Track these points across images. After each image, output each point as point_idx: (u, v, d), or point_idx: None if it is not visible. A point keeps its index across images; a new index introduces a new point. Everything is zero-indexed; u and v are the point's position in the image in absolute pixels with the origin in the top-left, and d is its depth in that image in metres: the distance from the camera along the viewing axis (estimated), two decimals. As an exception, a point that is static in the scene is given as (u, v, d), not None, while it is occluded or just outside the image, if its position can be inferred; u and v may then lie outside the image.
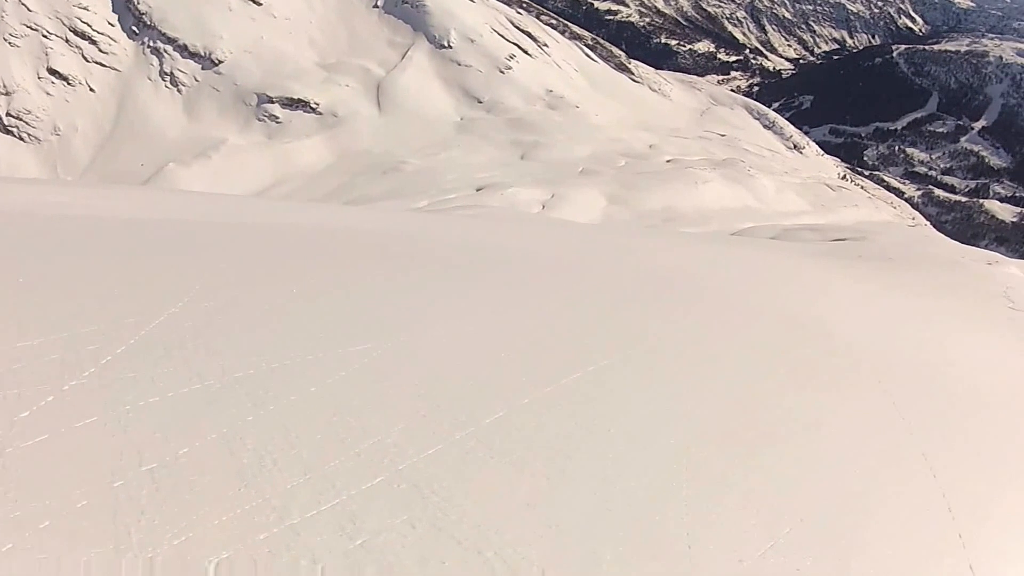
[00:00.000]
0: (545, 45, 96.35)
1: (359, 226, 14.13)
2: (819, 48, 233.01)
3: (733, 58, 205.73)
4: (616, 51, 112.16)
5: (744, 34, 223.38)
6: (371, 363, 5.69)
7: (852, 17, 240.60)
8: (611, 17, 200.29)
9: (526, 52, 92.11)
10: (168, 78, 79.89)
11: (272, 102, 78.24)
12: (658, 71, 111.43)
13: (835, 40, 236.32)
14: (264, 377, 5.11)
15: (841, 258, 20.99)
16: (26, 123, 72.03)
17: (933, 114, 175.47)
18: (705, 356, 7.48)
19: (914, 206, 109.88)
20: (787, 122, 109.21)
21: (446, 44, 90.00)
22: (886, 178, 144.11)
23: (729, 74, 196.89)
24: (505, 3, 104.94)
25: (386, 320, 6.87)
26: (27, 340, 5.15)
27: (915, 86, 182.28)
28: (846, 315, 11.02)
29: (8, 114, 71.87)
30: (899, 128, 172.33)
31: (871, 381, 7.49)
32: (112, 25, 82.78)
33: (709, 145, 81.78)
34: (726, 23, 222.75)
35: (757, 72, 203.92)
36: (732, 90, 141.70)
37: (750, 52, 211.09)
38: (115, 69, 79.68)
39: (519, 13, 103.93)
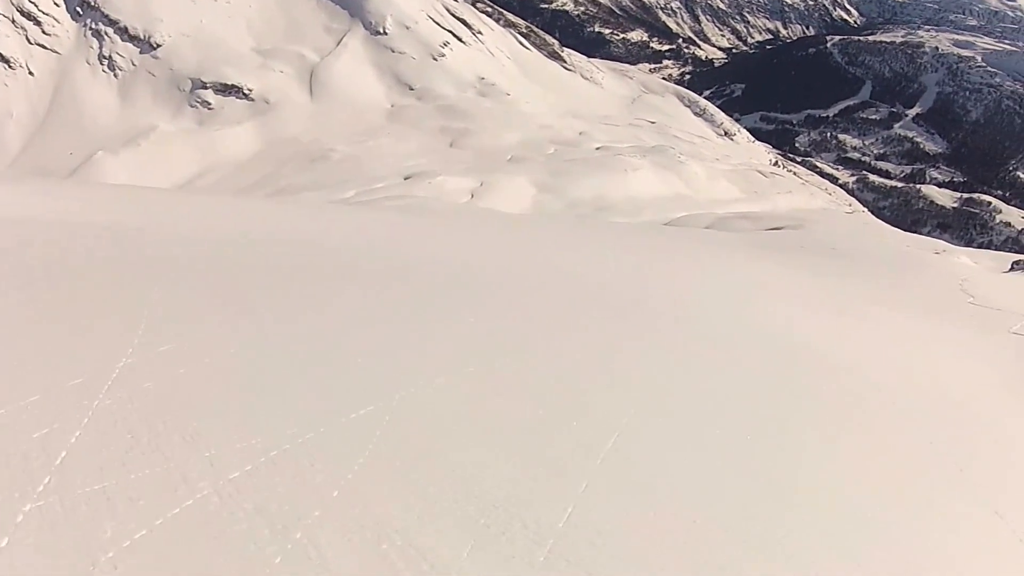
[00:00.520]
0: (479, 33, 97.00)
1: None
2: (753, 38, 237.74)
3: (666, 47, 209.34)
4: (550, 39, 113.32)
5: (678, 24, 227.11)
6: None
7: (787, 8, 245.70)
8: (546, 6, 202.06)
9: (460, 39, 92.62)
10: (106, 62, 78.29)
11: (206, 88, 77.39)
12: (590, 59, 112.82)
13: (769, 31, 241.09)
14: (265, 473, 4.07)
15: (784, 251, 20.31)
16: (-42, 110, 70.29)
17: (866, 102, 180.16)
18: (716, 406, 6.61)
19: (849, 192, 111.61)
20: (718, 109, 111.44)
21: (382, 31, 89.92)
22: (819, 164, 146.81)
23: (661, 63, 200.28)
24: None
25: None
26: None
27: (848, 75, 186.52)
28: (828, 335, 10.39)
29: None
30: (831, 115, 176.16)
31: (891, 416, 7.26)
32: (57, 5, 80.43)
33: (639, 132, 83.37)
34: (660, 13, 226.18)
35: (690, 61, 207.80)
36: (664, 78, 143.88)
37: (683, 42, 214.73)
38: (56, 52, 77.55)
39: (455, 0, 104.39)
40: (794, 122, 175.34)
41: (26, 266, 7.69)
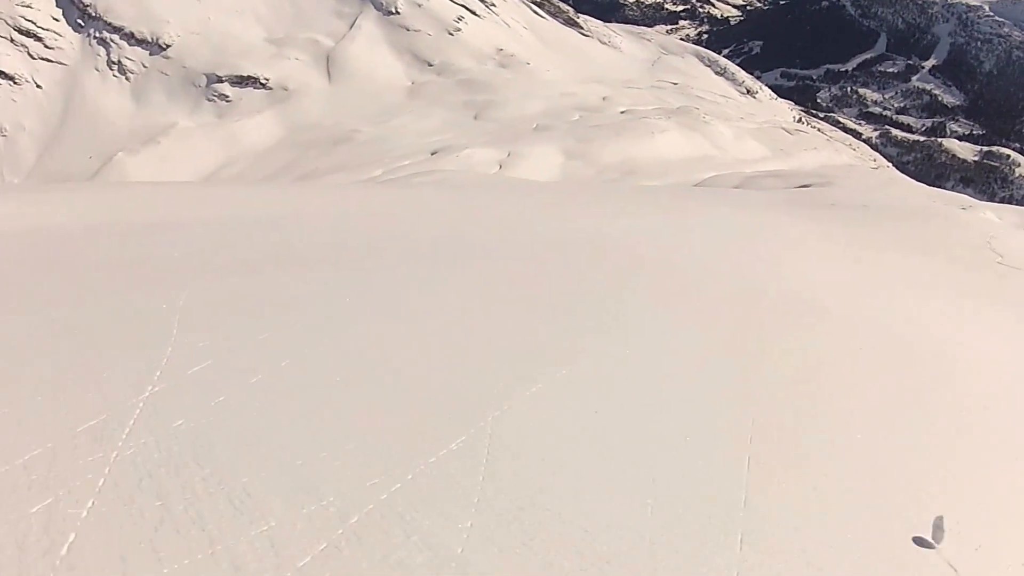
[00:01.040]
0: (493, 4, 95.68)
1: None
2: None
3: (681, 7, 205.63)
4: (564, 6, 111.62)
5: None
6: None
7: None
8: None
9: (474, 13, 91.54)
10: (116, 67, 78.79)
11: (221, 81, 77.32)
12: (607, 24, 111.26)
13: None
14: (348, 554, 3.00)
15: (815, 208, 18.89)
16: (-30, 126, 70.81)
17: (883, 54, 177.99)
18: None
19: (873, 147, 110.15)
20: (738, 68, 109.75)
21: (393, 10, 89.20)
22: (841, 119, 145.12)
23: (677, 23, 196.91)
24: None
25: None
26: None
27: (863, 27, 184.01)
28: (872, 302, 8.44)
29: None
30: (850, 69, 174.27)
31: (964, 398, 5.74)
32: (57, 20, 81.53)
33: (662, 94, 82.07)
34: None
35: (705, 20, 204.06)
36: (681, 39, 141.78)
37: (697, 1, 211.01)
38: (62, 64, 78.56)
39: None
40: (814, 77, 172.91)
41: (31, 276, 6.78)
